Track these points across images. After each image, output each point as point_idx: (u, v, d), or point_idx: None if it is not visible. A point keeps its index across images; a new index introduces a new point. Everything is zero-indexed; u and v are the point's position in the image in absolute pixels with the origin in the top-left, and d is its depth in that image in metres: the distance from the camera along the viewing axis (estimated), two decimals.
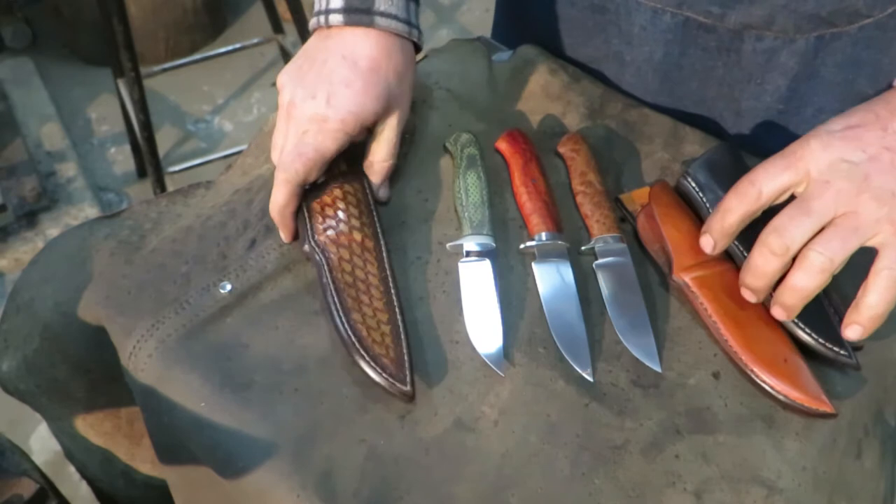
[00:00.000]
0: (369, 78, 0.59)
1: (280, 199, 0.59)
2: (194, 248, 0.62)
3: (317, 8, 0.62)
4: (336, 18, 0.60)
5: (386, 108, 0.61)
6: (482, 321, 0.58)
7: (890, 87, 0.56)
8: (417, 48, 0.64)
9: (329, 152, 0.59)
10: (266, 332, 0.58)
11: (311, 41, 0.63)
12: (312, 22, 0.62)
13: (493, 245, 0.62)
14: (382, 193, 0.65)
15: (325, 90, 0.59)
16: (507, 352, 0.57)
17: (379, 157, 0.63)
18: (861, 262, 0.64)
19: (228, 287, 0.60)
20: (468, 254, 0.61)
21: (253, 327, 0.58)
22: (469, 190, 0.65)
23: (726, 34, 0.67)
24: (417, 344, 0.57)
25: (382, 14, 0.60)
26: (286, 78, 0.62)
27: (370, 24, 0.60)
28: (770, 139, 0.71)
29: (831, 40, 0.64)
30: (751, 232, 0.60)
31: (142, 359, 0.57)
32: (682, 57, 0.70)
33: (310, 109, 0.59)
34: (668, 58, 0.71)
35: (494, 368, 0.56)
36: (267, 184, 0.67)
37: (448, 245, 0.62)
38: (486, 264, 0.60)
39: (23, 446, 0.71)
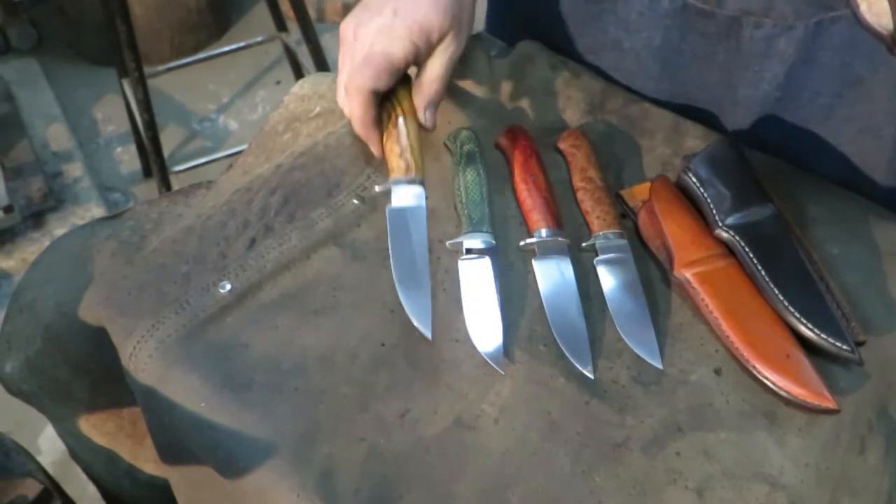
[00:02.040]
0: None
1: (357, 111, 0.61)
2: (194, 248, 0.62)
3: None
4: None
5: (449, 26, 0.62)
6: (482, 319, 0.58)
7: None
8: None
9: (396, 58, 0.60)
10: (266, 332, 0.58)
11: None
12: None
13: (493, 242, 0.61)
14: (429, 116, 0.64)
15: (391, 6, 0.61)
16: (507, 349, 0.57)
17: (429, 76, 0.64)
18: (862, 258, 0.64)
19: (228, 287, 0.60)
20: (468, 251, 0.61)
21: (253, 327, 0.58)
22: (469, 187, 0.64)
23: (725, 20, 0.66)
24: (417, 342, 0.57)
25: None
26: (348, 17, 0.63)
27: None
28: (766, 127, 0.71)
29: (830, 24, 0.63)
30: (754, 228, 0.60)
31: (142, 359, 0.57)
32: (682, 42, 0.70)
33: (376, 23, 0.61)
34: (668, 43, 0.70)
35: (494, 366, 0.56)
36: (267, 183, 0.67)
37: (448, 243, 0.62)
38: (486, 262, 0.60)
39: (31, 447, 0.72)
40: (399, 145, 0.60)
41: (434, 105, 0.65)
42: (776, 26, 0.64)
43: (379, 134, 0.63)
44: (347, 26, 0.64)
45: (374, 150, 0.64)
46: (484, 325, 0.57)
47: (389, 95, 0.64)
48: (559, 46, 0.78)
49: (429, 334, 0.55)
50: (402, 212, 0.59)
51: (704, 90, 0.73)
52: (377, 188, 0.60)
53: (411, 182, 0.60)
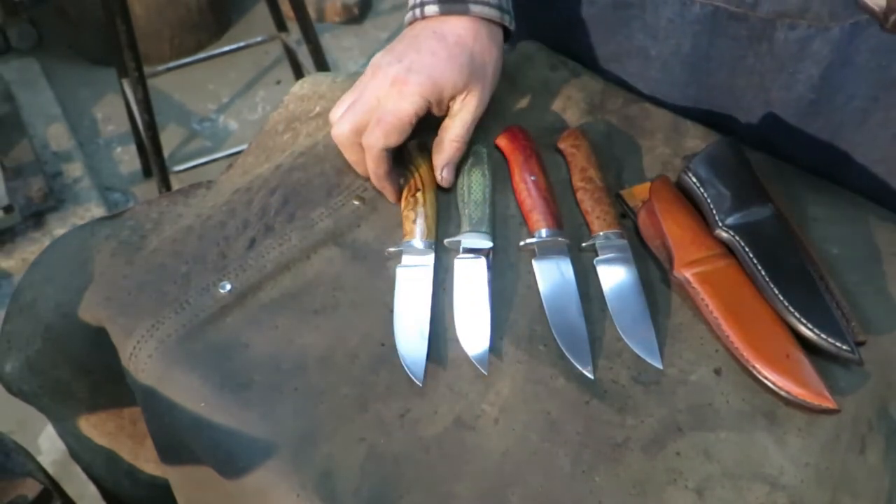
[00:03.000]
0: (454, 50, 0.63)
1: (371, 166, 0.63)
2: (194, 248, 0.62)
3: (412, 2, 0.65)
4: (432, 9, 0.64)
5: (465, 84, 0.63)
6: (471, 319, 0.58)
7: None
8: (507, 34, 0.68)
9: (406, 115, 0.62)
10: (266, 332, 0.58)
11: (405, 30, 0.66)
12: (408, 16, 0.66)
13: (491, 244, 0.61)
14: (446, 174, 0.65)
15: (410, 57, 0.62)
16: (506, 349, 0.57)
17: (450, 136, 0.65)
18: (862, 258, 0.64)
19: (228, 287, 0.60)
20: (465, 250, 0.61)
21: (252, 327, 0.58)
22: (472, 187, 0.64)
23: (758, 23, 0.65)
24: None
25: (476, 1, 0.63)
26: (379, 53, 0.65)
27: (465, 13, 0.64)
28: (800, 129, 0.70)
29: (866, 26, 0.62)
30: (754, 228, 0.60)
31: (142, 359, 0.57)
32: (710, 48, 0.69)
33: (393, 71, 0.62)
34: (697, 49, 0.69)
35: (479, 367, 0.56)
36: (267, 183, 0.67)
37: (446, 241, 0.62)
38: (482, 262, 0.60)
39: (31, 446, 0.72)
40: (415, 212, 0.62)
41: (452, 164, 0.66)
42: (811, 27, 0.63)
43: (393, 184, 0.65)
44: (374, 61, 0.65)
45: (390, 198, 0.65)
46: (472, 325, 0.57)
47: (409, 164, 0.66)
48: (580, 54, 0.77)
49: (420, 383, 0.55)
50: (411, 270, 0.60)
51: (732, 95, 0.72)
52: (390, 250, 0.61)
53: (425, 245, 0.61)
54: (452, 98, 0.64)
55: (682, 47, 0.70)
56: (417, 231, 0.62)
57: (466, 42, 0.63)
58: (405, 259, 0.61)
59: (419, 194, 0.63)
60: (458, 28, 0.64)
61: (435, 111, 0.64)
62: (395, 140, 0.62)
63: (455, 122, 0.65)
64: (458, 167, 0.66)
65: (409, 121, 0.62)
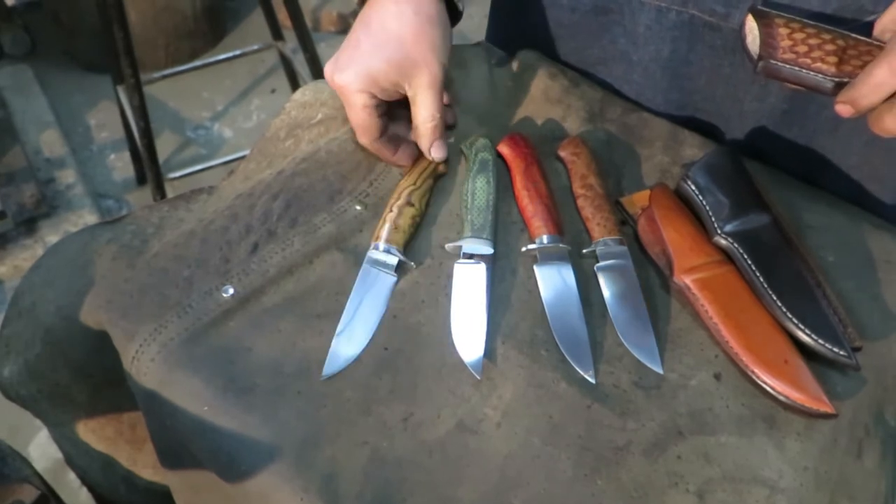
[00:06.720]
0: (378, 38, 0.62)
1: (378, 156, 0.68)
2: (196, 252, 0.62)
3: None
4: None
5: (397, 71, 0.62)
6: (467, 325, 0.58)
7: None
8: (457, 15, 0.67)
9: (363, 114, 0.64)
10: (268, 336, 0.58)
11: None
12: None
13: (492, 250, 0.62)
14: (435, 153, 0.66)
15: (341, 55, 0.64)
16: (508, 353, 0.58)
17: (419, 120, 0.65)
18: (857, 265, 0.64)
19: (231, 291, 0.60)
20: (465, 255, 0.61)
21: (255, 331, 0.58)
22: (476, 193, 0.65)
23: (731, 34, 0.67)
24: (419, 346, 0.58)
25: None
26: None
27: None
28: (773, 140, 0.71)
29: None
30: (752, 236, 0.61)
31: (144, 363, 0.57)
32: (690, 53, 0.70)
33: (328, 75, 0.65)
34: (676, 55, 0.71)
35: (473, 372, 0.56)
36: (269, 188, 0.67)
37: (447, 245, 0.63)
38: (481, 268, 0.61)
39: (21, 453, 0.71)
40: (391, 222, 0.63)
41: (436, 140, 0.66)
42: None
43: (387, 147, 0.67)
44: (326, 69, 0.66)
45: (389, 159, 0.68)
46: (468, 330, 0.58)
47: (409, 178, 0.66)
48: (566, 58, 0.78)
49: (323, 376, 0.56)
50: (374, 267, 0.61)
51: (712, 102, 0.73)
52: (371, 254, 0.62)
53: (389, 251, 0.62)
54: (396, 83, 0.63)
55: (662, 53, 0.71)
56: (387, 236, 0.62)
57: (390, 27, 0.61)
58: (372, 253, 0.62)
59: (398, 207, 0.64)
60: (383, 12, 0.62)
61: (388, 97, 0.64)
62: (375, 133, 0.65)
63: (418, 107, 0.64)
64: (464, 173, 0.67)
65: (368, 115, 0.64)
